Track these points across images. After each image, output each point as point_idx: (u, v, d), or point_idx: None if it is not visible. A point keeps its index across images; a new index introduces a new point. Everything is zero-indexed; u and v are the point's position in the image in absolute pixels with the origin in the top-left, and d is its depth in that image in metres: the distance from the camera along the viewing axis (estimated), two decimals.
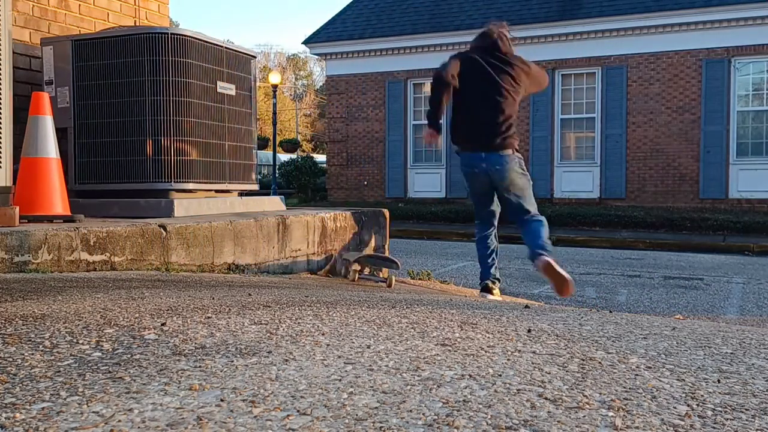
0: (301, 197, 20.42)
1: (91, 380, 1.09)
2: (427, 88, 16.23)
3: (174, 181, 3.88)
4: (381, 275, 4.06)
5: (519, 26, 15.40)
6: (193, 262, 3.35)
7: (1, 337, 1.38)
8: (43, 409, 0.96)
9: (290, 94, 57.09)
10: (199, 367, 1.18)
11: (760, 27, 13.56)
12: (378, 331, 1.54)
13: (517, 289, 6.17)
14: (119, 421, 0.91)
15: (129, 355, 1.25)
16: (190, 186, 3.97)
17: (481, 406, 1.00)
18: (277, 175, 21.50)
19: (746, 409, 1.03)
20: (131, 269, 3.07)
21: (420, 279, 5.15)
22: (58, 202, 3.39)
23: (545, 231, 4.12)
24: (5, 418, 0.92)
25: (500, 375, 1.18)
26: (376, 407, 0.98)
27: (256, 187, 4.57)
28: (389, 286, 3.85)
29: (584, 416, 0.97)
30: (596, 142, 15.01)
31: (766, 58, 13.68)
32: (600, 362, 1.30)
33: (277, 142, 30.96)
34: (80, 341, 1.36)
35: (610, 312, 2.25)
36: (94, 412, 0.95)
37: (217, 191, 4.26)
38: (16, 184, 3.33)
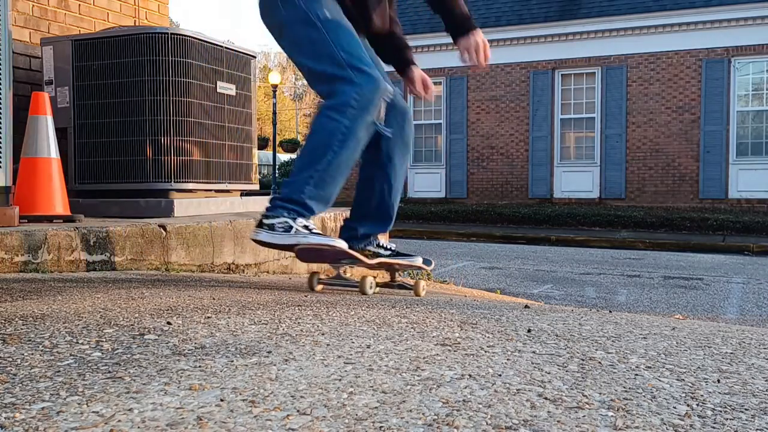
0: None
1: (91, 380, 1.09)
2: None
3: (174, 181, 3.88)
4: (406, 281, 2.99)
5: (519, 26, 15.42)
6: (193, 262, 3.35)
7: (1, 337, 1.38)
8: (42, 409, 0.96)
9: (290, 94, 57.09)
10: (199, 367, 1.18)
11: (760, 27, 13.57)
12: (378, 331, 1.54)
13: (517, 289, 6.18)
14: (119, 421, 0.91)
15: (129, 355, 1.25)
16: (190, 186, 3.97)
17: (481, 405, 1.00)
18: (277, 175, 21.49)
19: (746, 409, 1.03)
20: (131, 269, 3.07)
21: (420, 279, 5.15)
22: (58, 202, 3.39)
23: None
24: (5, 418, 0.92)
25: (500, 375, 1.18)
26: (376, 407, 0.98)
27: (256, 187, 4.57)
28: (417, 294, 2.73)
29: (584, 416, 0.97)
30: (596, 142, 15.01)
31: (766, 58, 13.68)
32: (600, 362, 1.30)
33: (277, 142, 30.95)
34: (80, 341, 1.36)
35: (610, 312, 2.25)
36: (94, 412, 0.95)
37: (217, 191, 4.26)
38: (16, 184, 3.33)
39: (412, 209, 14.49)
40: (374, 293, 2.52)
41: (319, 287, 2.62)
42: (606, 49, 14.73)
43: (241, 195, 4.51)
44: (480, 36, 2.49)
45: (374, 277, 2.58)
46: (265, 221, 2.33)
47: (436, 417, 0.94)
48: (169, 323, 1.55)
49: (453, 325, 1.66)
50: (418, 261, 2.68)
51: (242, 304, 1.92)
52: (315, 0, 2.34)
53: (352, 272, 4.42)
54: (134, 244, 3.10)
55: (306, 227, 2.31)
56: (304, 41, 2.35)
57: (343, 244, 2.40)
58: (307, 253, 2.36)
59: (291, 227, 2.29)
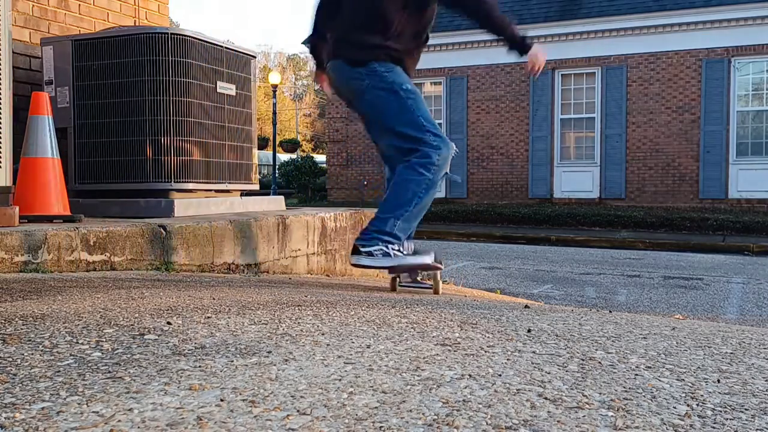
0: (301, 197, 20.43)
1: (91, 380, 1.09)
2: (427, 88, 16.24)
3: (174, 181, 3.88)
4: (424, 280, 3.37)
5: (519, 26, 15.41)
6: (193, 262, 3.35)
7: (1, 337, 1.38)
8: (42, 409, 0.96)
9: (290, 94, 57.12)
10: (199, 367, 1.18)
11: (760, 27, 13.57)
12: (378, 330, 1.55)
13: (517, 289, 6.18)
14: (119, 421, 0.91)
15: (129, 355, 1.25)
16: (190, 186, 3.97)
17: (481, 405, 1.00)
18: (277, 175, 21.50)
19: (746, 409, 1.03)
20: (131, 269, 3.07)
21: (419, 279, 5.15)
22: (58, 202, 3.39)
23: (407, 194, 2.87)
24: (5, 418, 0.92)
25: (500, 375, 1.18)
26: (376, 407, 0.98)
27: (256, 187, 4.57)
28: (436, 292, 3.16)
29: (584, 416, 0.97)
30: (596, 142, 15.01)
31: (766, 58, 13.68)
32: (600, 362, 1.30)
33: (277, 142, 30.97)
34: (80, 341, 1.36)
35: (610, 312, 2.25)
36: (94, 412, 0.95)
37: (217, 191, 4.26)
38: (16, 184, 3.33)
39: None
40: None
41: (398, 289, 3.13)
42: (606, 49, 14.73)
43: (241, 195, 4.51)
44: (537, 47, 3.08)
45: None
46: (363, 249, 2.87)
47: (436, 417, 0.94)
48: (169, 323, 1.55)
49: (453, 325, 1.66)
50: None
51: (242, 304, 1.92)
52: (396, 74, 2.89)
53: (351, 271, 4.43)
54: (134, 244, 3.10)
55: (399, 251, 2.89)
56: (386, 106, 2.88)
57: (429, 259, 2.99)
58: (400, 269, 3.00)
59: (388, 253, 2.86)
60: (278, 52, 61.47)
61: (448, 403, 1.01)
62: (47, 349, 1.29)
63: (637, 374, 1.21)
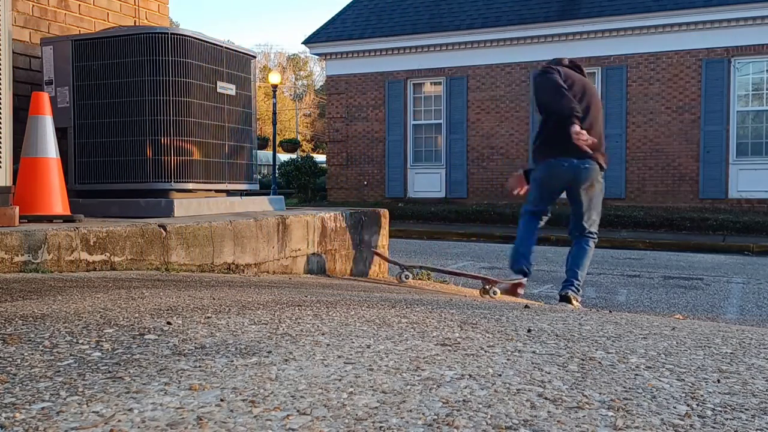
0: (301, 197, 20.43)
1: (91, 380, 1.09)
2: (427, 88, 16.24)
3: (174, 181, 3.88)
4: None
5: (519, 26, 15.42)
6: (193, 262, 3.35)
7: (1, 337, 1.38)
8: (42, 409, 0.96)
9: (290, 94, 57.10)
10: (199, 367, 1.18)
11: (760, 27, 13.56)
12: (378, 330, 1.55)
13: None
14: (119, 420, 0.91)
15: (129, 355, 1.25)
16: (190, 186, 3.97)
17: (481, 405, 1.00)
18: (277, 175, 21.49)
19: (746, 409, 1.03)
20: (131, 269, 3.07)
21: (420, 279, 5.15)
22: (58, 202, 3.39)
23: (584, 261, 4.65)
24: (5, 418, 0.92)
25: (500, 375, 1.18)
26: (376, 407, 0.98)
27: (256, 187, 4.58)
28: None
29: (584, 416, 0.97)
30: None
31: (766, 58, 13.68)
32: (600, 362, 1.30)
33: (277, 142, 30.95)
34: (80, 341, 1.36)
35: (610, 312, 2.25)
36: (94, 411, 0.95)
37: (217, 191, 4.26)
38: (16, 184, 3.33)
39: (412, 209, 14.48)
40: None
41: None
42: (606, 49, 14.72)
43: (241, 195, 4.51)
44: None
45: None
46: (573, 298, 4.38)
47: (436, 417, 0.94)
48: (169, 323, 1.55)
49: (453, 325, 1.66)
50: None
51: (242, 304, 1.92)
52: None
53: (352, 271, 4.44)
54: (134, 244, 3.10)
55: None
56: (599, 198, 4.59)
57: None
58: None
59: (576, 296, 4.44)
60: (278, 52, 61.39)
61: (448, 403, 1.01)
62: (47, 349, 1.29)
63: (637, 374, 1.21)
